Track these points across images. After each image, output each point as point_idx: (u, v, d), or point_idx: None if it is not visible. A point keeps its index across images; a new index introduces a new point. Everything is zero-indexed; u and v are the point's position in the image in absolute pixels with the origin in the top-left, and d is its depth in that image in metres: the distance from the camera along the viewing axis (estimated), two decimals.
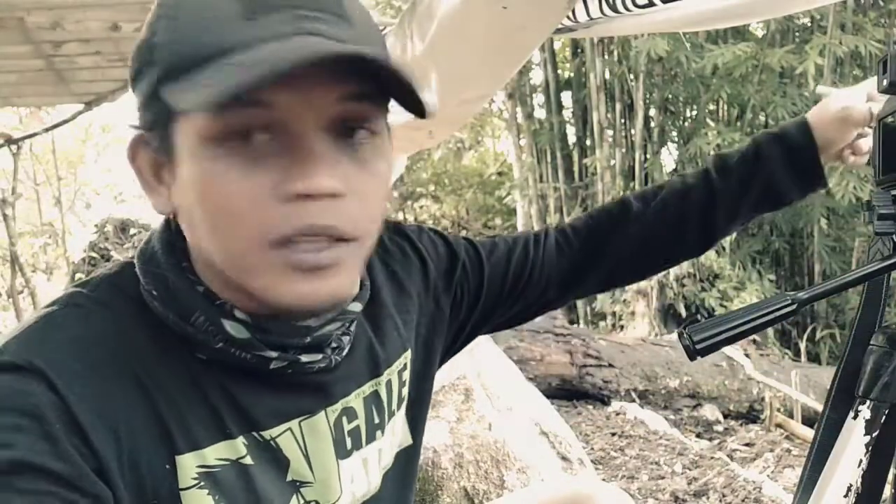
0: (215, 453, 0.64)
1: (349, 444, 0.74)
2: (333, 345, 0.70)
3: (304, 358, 0.67)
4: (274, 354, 0.65)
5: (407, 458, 0.83)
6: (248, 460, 0.66)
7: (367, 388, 0.76)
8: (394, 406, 0.80)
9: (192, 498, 0.63)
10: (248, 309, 0.64)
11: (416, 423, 0.85)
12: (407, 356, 0.82)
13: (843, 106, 0.90)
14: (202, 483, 0.64)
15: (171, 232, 0.67)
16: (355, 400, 0.74)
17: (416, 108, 0.61)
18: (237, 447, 0.66)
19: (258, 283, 0.60)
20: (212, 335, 0.64)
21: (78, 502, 0.55)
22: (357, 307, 0.72)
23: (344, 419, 0.73)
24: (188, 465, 0.63)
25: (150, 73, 0.60)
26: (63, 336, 0.61)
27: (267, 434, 0.68)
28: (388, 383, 0.79)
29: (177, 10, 0.59)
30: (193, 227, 0.62)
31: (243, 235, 0.59)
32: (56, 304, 0.64)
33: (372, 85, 0.59)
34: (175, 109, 0.57)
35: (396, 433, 0.82)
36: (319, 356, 0.68)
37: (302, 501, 0.71)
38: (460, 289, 0.89)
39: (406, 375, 0.82)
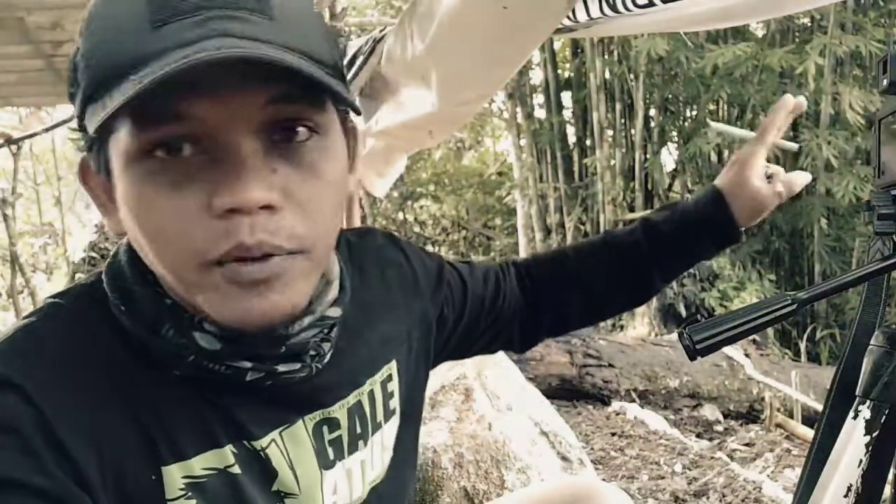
0: (202, 463, 0.63)
1: (332, 454, 0.72)
2: (312, 352, 0.67)
3: (282, 368, 0.64)
4: (248, 365, 0.62)
5: (400, 471, 0.82)
6: (237, 469, 0.65)
7: (351, 399, 0.74)
8: (380, 417, 0.78)
9: None
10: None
11: (408, 435, 0.84)
12: (392, 367, 0.80)
13: (753, 194, 0.95)
14: (189, 494, 0.62)
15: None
16: (339, 410, 0.72)
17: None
18: (225, 456, 0.64)
19: (201, 301, 0.58)
20: (183, 348, 0.61)
21: None
22: (336, 312, 0.69)
23: (325, 428, 0.71)
24: (174, 475, 0.62)
25: (78, 94, 0.58)
26: (42, 349, 0.60)
27: (257, 444, 0.66)
28: (371, 393, 0.77)
29: (89, 25, 0.57)
30: (138, 245, 0.60)
31: (178, 255, 0.56)
32: (35, 315, 0.63)
33: (307, 83, 0.55)
34: (90, 133, 0.55)
35: (387, 447, 0.80)
36: (298, 365, 0.65)
37: None
38: (446, 305, 0.89)
39: (392, 387, 0.80)
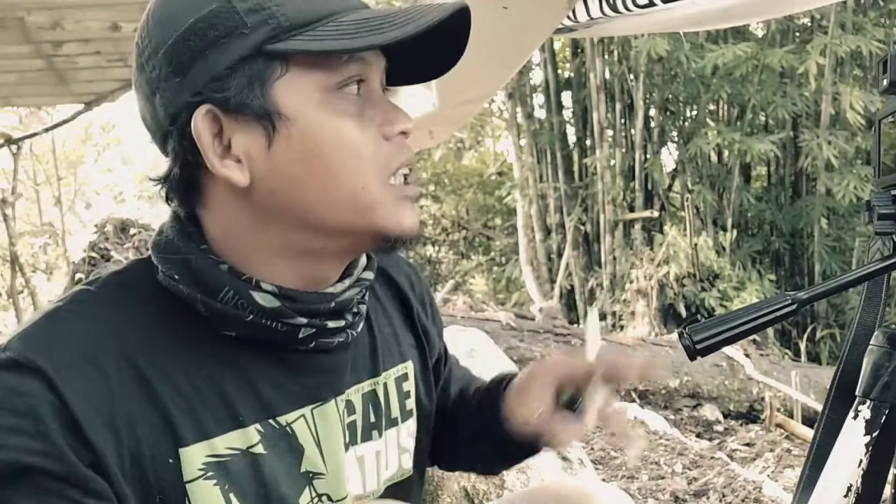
0: (226, 442, 0.65)
1: (347, 437, 0.74)
2: (354, 310, 0.73)
3: (331, 324, 0.69)
4: (303, 321, 0.67)
5: (417, 474, 0.84)
6: (260, 449, 0.67)
7: (366, 385, 0.77)
8: (395, 414, 0.80)
9: (199, 489, 0.63)
10: (275, 280, 0.66)
11: (423, 442, 0.85)
12: (408, 367, 0.83)
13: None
14: (210, 473, 0.64)
15: (183, 221, 0.69)
16: (355, 394, 0.75)
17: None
18: (249, 436, 0.66)
19: (381, 214, 0.67)
20: (242, 308, 0.65)
21: (72, 496, 0.56)
22: (369, 275, 0.75)
23: (345, 411, 0.74)
24: (195, 456, 0.63)
25: (248, 35, 0.62)
26: (65, 332, 0.62)
27: (283, 420, 0.68)
28: (386, 386, 0.79)
29: None
30: (296, 184, 0.65)
31: (367, 174, 0.66)
32: (62, 300, 0.65)
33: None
34: (318, 51, 0.63)
35: (406, 448, 0.81)
36: (343, 322, 0.71)
37: (314, 494, 0.71)
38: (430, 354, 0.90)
39: (408, 387, 0.82)
